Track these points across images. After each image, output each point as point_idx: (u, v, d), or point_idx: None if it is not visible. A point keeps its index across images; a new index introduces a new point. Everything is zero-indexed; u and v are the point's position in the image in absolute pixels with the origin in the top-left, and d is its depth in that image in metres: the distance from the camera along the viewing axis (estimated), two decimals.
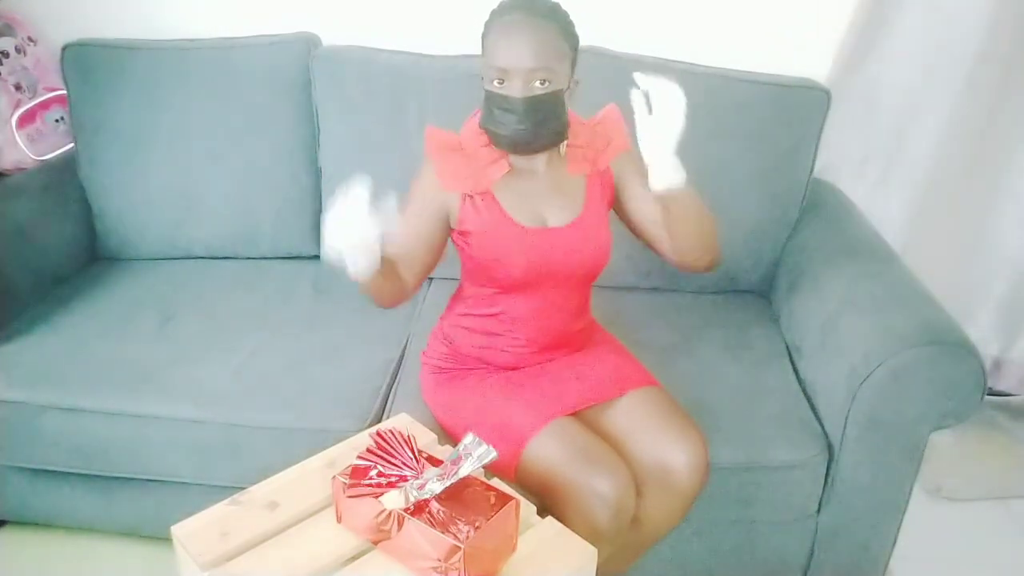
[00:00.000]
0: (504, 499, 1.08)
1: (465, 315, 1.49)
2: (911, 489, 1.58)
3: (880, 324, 1.53)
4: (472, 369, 1.49)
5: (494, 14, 1.32)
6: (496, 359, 1.48)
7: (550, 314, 1.45)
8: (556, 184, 1.41)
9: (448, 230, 1.41)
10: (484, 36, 1.31)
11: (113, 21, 2.07)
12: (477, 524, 1.04)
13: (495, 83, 1.28)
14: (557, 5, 1.32)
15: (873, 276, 1.68)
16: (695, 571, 1.66)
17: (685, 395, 1.52)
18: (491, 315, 1.46)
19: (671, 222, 1.34)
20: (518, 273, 1.39)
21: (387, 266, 1.29)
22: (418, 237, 1.38)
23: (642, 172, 1.38)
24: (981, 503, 2.04)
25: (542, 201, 1.40)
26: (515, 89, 1.27)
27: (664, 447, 1.36)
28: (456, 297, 1.54)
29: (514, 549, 1.11)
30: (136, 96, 1.98)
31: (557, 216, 1.40)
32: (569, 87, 1.33)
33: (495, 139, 1.34)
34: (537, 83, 1.27)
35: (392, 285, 1.34)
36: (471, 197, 1.37)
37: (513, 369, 1.48)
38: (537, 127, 1.30)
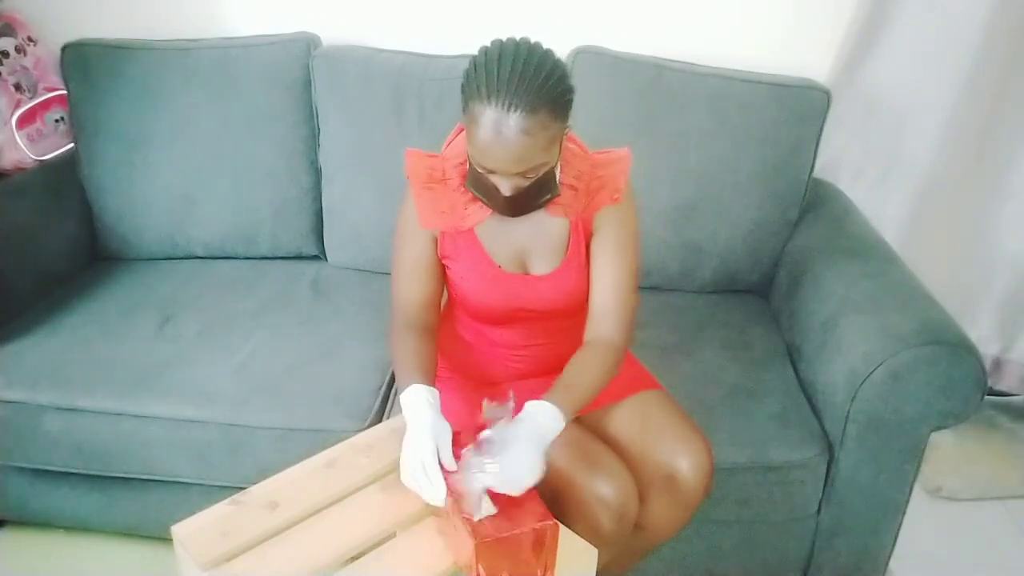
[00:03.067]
0: (541, 518, 1.06)
1: (455, 335, 1.46)
2: (911, 489, 1.58)
3: (880, 324, 1.53)
4: (471, 378, 1.47)
5: (477, 90, 1.13)
6: (493, 376, 1.45)
7: (538, 341, 1.42)
8: (540, 224, 1.33)
9: None
10: (466, 106, 1.16)
11: (113, 21, 2.07)
12: (504, 532, 1.03)
13: (478, 167, 1.19)
14: (548, 74, 1.14)
15: (873, 276, 1.68)
16: (695, 571, 1.66)
17: (685, 395, 1.52)
18: (473, 342, 1.43)
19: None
20: (496, 312, 1.36)
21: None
22: (424, 274, 1.35)
23: (621, 232, 1.35)
24: (981, 503, 2.04)
25: (524, 244, 1.34)
26: (501, 185, 1.19)
27: (669, 455, 1.34)
28: (446, 314, 1.47)
29: (547, 572, 1.09)
30: (136, 96, 1.98)
31: (539, 263, 1.34)
32: (562, 143, 1.22)
33: (482, 201, 1.27)
34: (524, 178, 1.19)
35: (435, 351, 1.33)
36: (451, 233, 1.33)
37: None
38: (523, 208, 1.25)
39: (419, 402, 1.19)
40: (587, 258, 1.36)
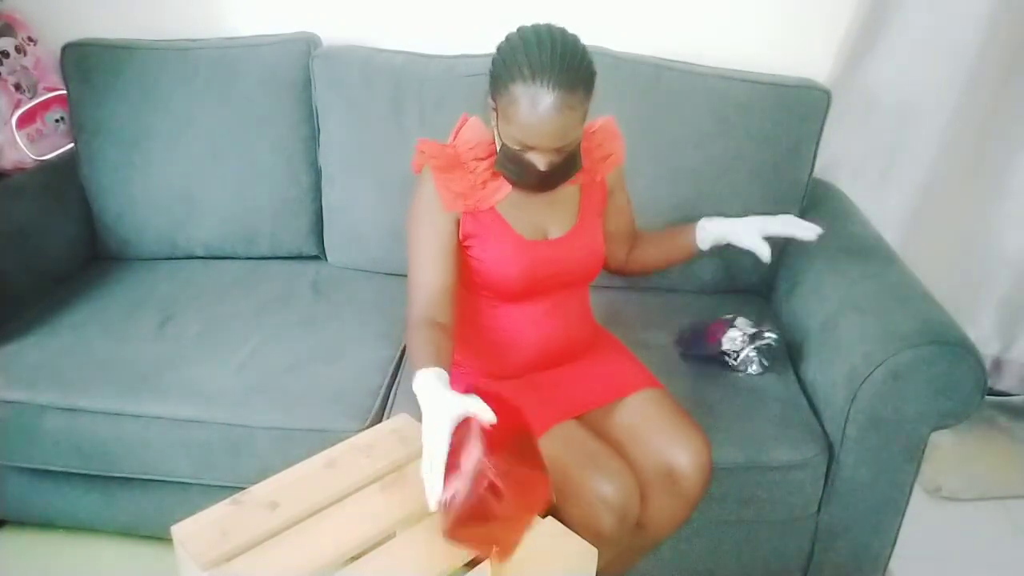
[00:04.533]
0: (484, 475, 1.03)
1: (476, 324, 1.46)
2: (911, 489, 1.58)
3: (880, 324, 1.53)
4: (486, 372, 1.47)
5: (519, 72, 1.21)
6: (499, 371, 1.46)
7: (550, 324, 1.44)
8: (555, 194, 1.40)
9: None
10: (504, 90, 1.23)
11: (113, 21, 2.08)
12: (459, 510, 1.03)
13: (516, 146, 1.27)
14: (583, 55, 1.24)
15: (873, 276, 1.68)
16: (695, 571, 1.66)
17: (685, 395, 1.52)
18: (490, 328, 1.44)
19: (661, 257, 1.61)
20: (516, 282, 1.38)
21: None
22: (445, 259, 1.35)
23: (623, 184, 1.50)
24: (981, 503, 2.04)
25: (541, 212, 1.41)
26: (538, 161, 1.27)
27: (668, 451, 1.36)
28: (463, 305, 1.47)
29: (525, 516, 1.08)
30: (136, 96, 1.98)
31: (555, 227, 1.42)
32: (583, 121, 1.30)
33: (509, 181, 1.35)
34: (559, 153, 1.27)
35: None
36: (472, 212, 1.37)
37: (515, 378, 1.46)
38: (554, 183, 1.33)
39: (429, 382, 1.16)
40: (600, 216, 1.48)
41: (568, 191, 1.42)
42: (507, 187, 1.37)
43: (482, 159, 1.37)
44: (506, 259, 1.38)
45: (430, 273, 1.36)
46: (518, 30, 1.26)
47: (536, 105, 1.20)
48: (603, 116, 1.46)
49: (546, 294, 1.43)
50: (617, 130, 1.47)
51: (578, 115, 1.24)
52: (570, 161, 1.30)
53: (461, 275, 1.42)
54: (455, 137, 1.41)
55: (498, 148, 1.31)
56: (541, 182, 1.31)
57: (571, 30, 1.28)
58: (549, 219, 1.42)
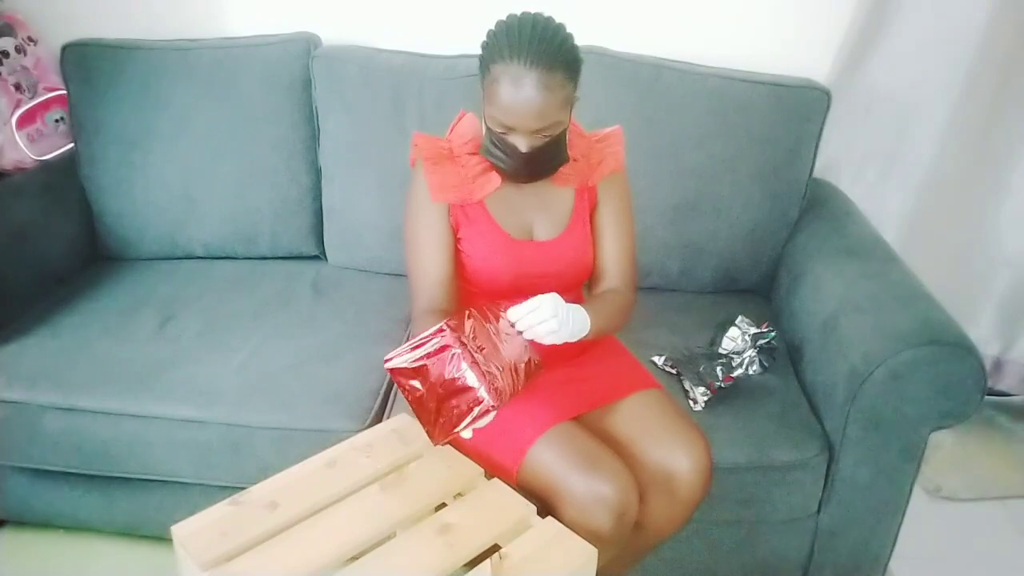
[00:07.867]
0: None
1: None
2: (911, 489, 1.58)
3: (880, 324, 1.53)
4: None
5: (499, 53, 1.25)
6: None
7: None
8: (545, 195, 1.42)
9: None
10: (487, 71, 1.27)
11: (113, 21, 2.08)
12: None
13: (498, 128, 1.29)
14: (563, 39, 1.27)
15: (873, 276, 1.68)
16: (695, 571, 1.66)
17: (683, 396, 1.52)
18: None
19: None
20: (504, 280, 1.39)
21: None
22: (442, 249, 1.38)
23: (623, 200, 1.47)
24: (981, 503, 2.04)
25: (530, 213, 1.42)
26: (519, 142, 1.28)
27: (668, 452, 1.35)
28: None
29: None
30: (136, 96, 1.98)
31: (544, 229, 1.42)
32: (571, 111, 1.32)
33: (494, 167, 1.36)
34: (541, 136, 1.28)
35: None
36: (461, 205, 1.39)
37: None
38: (538, 169, 1.34)
39: None
40: (591, 225, 1.46)
41: (562, 194, 1.43)
42: (496, 181, 1.38)
43: (474, 153, 1.39)
44: (491, 255, 1.39)
45: (429, 262, 1.39)
46: (507, 15, 1.29)
47: (514, 83, 1.23)
48: (611, 126, 1.47)
49: (536, 295, 1.42)
50: (621, 139, 1.47)
51: (557, 97, 1.24)
52: (554, 149, 1.31)
53: (457, 271, 1.43)
54: (451, 132, 1.43)
55: (483, 133, 1.33)
56: (524, 166, 1.31)
57: (570, 29, 1.28)
58: (539, 221, 1.42)
